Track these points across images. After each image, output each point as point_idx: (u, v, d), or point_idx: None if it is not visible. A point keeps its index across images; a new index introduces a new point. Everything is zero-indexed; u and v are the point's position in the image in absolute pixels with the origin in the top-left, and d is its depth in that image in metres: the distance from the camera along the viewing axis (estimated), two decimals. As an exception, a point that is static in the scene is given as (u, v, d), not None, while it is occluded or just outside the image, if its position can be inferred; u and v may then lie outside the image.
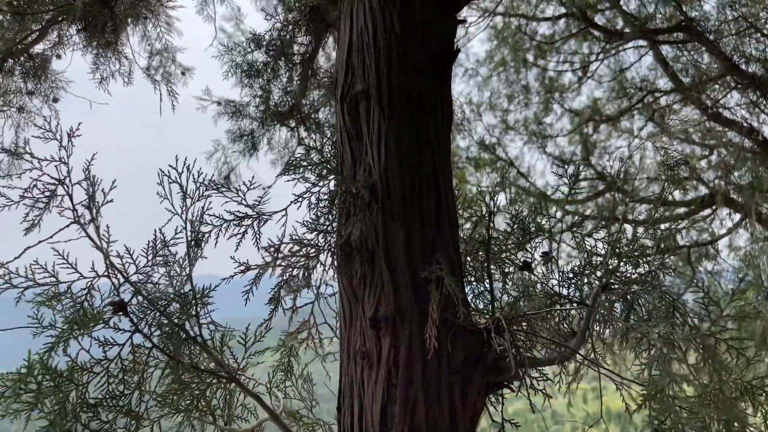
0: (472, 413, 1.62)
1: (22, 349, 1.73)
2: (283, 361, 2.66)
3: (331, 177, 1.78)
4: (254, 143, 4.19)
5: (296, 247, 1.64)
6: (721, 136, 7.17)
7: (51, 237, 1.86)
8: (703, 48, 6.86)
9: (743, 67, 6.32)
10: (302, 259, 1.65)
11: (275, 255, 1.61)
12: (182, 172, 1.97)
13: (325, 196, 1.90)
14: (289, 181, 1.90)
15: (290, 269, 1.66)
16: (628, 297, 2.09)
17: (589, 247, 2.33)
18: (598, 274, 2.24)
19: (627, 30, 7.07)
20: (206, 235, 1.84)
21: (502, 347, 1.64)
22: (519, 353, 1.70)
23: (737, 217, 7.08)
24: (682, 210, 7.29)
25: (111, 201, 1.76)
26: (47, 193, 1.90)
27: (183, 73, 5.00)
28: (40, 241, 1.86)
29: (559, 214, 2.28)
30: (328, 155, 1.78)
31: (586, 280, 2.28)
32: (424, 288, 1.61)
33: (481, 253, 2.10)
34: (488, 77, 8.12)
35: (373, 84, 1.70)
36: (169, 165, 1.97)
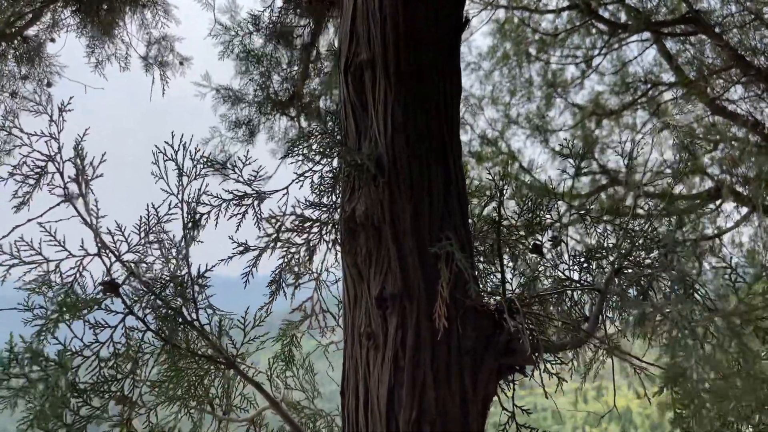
0: (483, 397, 1.54)
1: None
2: (284, 350, 2.58)
3: (335, 152, 1.70)
4: (252, 131, 4.10)
5: (298, 222, 1.56)
6: (726, 130, 7.09)
7: (41, 215, 1.78)
8: (708, 41, 6.78)
9: (749, 59, 6.23)
10: (304, 234, 1.57)
11: (278, 228, 1.52)
12: (178, 149, 1.89)
13: (329, 175, 1.82)
14: (292, 163, 1.82)
15: (292, 247, 1.58)
16: (642, 281, 2.01)
17: (599, 231, 2.26)
18: (611, 258, 2.17)
19: (631, 22, 6.99)
20: (205, 216, 1.76)
21: (515, 329, 1.56)
22: (533, 335, 1.62)
23: (742, 212, 6.99)
24: (685, 203, 7.21)
25: (101, 175, 1.67)
26: (37, 170, 1.82)
27: (181, 63, 4.92)
28: (29, 220, 1.78)
29: (564, 204, 2.21)
30: (332, 128, 1.69)
31: (595, 265, 2.21)
32: (433, 265, 1.53)
33: (488, 238, 2.02)
34: (491, 71, 8.04)
35: (379, 52, 1.62)
36: (165, 142, 1.89)
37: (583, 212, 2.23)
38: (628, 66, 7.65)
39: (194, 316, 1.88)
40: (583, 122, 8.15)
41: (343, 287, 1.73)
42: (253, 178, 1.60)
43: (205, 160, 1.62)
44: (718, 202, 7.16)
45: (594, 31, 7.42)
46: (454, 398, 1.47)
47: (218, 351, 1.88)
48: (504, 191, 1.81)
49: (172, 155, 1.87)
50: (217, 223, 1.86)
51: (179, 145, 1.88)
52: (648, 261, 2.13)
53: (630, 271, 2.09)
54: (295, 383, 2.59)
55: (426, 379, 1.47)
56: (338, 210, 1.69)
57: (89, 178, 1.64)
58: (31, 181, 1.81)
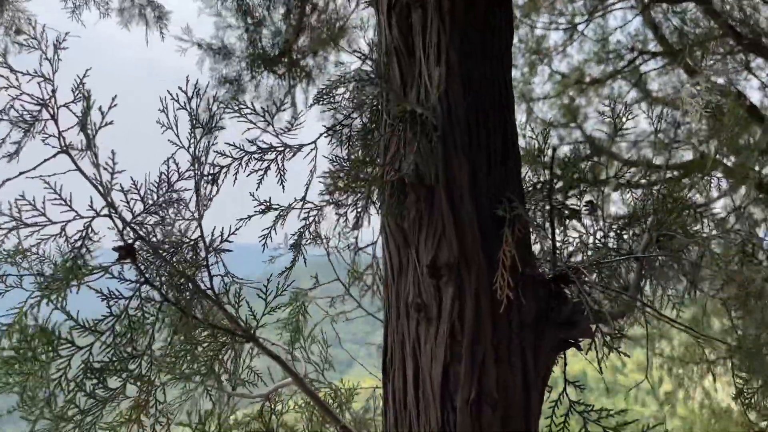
0: (543, 375, 1.41)
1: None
2: (292, 320, 2.43)
3: (375, 102, 1.52)
4: (240, 88, 3.84)
5: (350, 180, 1.37)
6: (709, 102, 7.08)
7: (35, 168, 1.55)
8: (695, 10, 6.72)
9: (739, 30, 6.19)
10: (353, 195, 1.38)
11: (335, 184, 1.34)
12: (192, 97, 1.68)
13: (360, 128, 1.63)
14: (324, 111, 1.63)
15: (340, 208, 1.40)
16: (690, 248, 1.91)
17: (636, 196, 2.16)
18: (645, 224, 2.07)
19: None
20: (224, 169, 1.56)
21: (578, 300, 1.43)
22: (595, 307, 1.49)
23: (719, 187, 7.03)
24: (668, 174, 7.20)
25: (111, 123, 1.45)
26: (27, 116, 1.58)
27: (159, 17, 4.57)
28: (21, 173, 1.54)
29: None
30: (374, 75, 1.50)
31: (631, 232, 2.11)
32: (493, 229, 1.37)
33: (528, 202, 1.88)
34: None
35: (431, -11, 1.43)
36: (179, 87, 1.67)
37: (619, 176, 2.12)
38: (612, 34, 7.55)
39: (208, 284, 1.70)
40: (565, 91, 8.05)
41: (384, 254, 1.56)
42: (289, 126, 1.40)
43: (230, 100, 1.41)
44: (699, 175, 7.18)
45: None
46: (515, 377, 1.34)
47: (236, 323, 1.70)
48: (555, 152, 1.66)
49: (184, 103, 1.66)
50: (236, 179, 1.66)
51: (193, 92, 1.67)
52: (681, 228, 2.05)
53: (664, 237, 2.00)
54: (302, 354, 2.44)
55: (486, 356, 1.33)
56: (380, 168, 1.51)
57: (97, 127, 1.41)
58: (21, 130, 1.57)
